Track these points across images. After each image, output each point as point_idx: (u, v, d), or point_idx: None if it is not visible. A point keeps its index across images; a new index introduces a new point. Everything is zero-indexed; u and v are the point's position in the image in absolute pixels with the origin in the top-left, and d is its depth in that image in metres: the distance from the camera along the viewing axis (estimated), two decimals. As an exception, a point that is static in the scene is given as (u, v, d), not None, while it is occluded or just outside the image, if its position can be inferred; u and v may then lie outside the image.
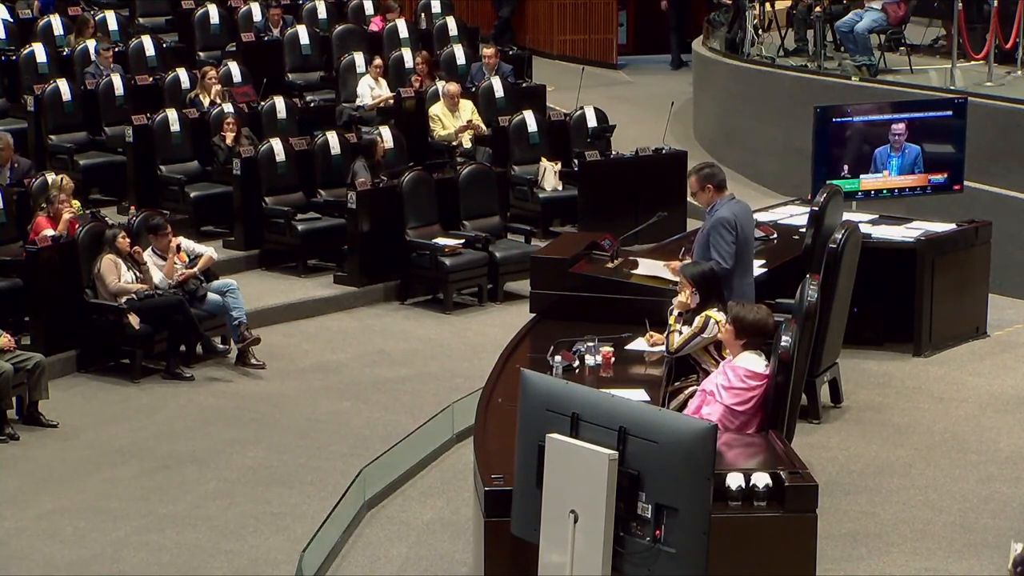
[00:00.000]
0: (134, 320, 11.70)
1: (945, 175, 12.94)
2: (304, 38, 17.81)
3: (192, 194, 14.76)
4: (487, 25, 23.03)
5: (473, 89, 16.86)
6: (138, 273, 11.96)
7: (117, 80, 15.96)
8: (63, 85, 15.66)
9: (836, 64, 17.03)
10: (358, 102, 16.75)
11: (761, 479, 7.03)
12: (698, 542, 5.23)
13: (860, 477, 9.82)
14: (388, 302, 13.85)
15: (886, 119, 12.86)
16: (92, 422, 11.04)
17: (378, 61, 16.93)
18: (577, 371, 8.62)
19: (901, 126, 12.71)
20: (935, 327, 12.11)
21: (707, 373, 8.46)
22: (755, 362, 7.97)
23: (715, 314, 8.52)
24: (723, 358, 8.30)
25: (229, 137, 14.81)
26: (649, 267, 10.13)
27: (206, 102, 15.72)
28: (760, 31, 18.34)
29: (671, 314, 8.78)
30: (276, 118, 15.68)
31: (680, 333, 8.66)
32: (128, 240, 12.01)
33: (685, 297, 8.76)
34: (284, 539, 9.05)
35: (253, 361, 12.05)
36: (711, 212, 9.63)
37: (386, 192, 13.90)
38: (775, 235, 11.82)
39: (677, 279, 9.03)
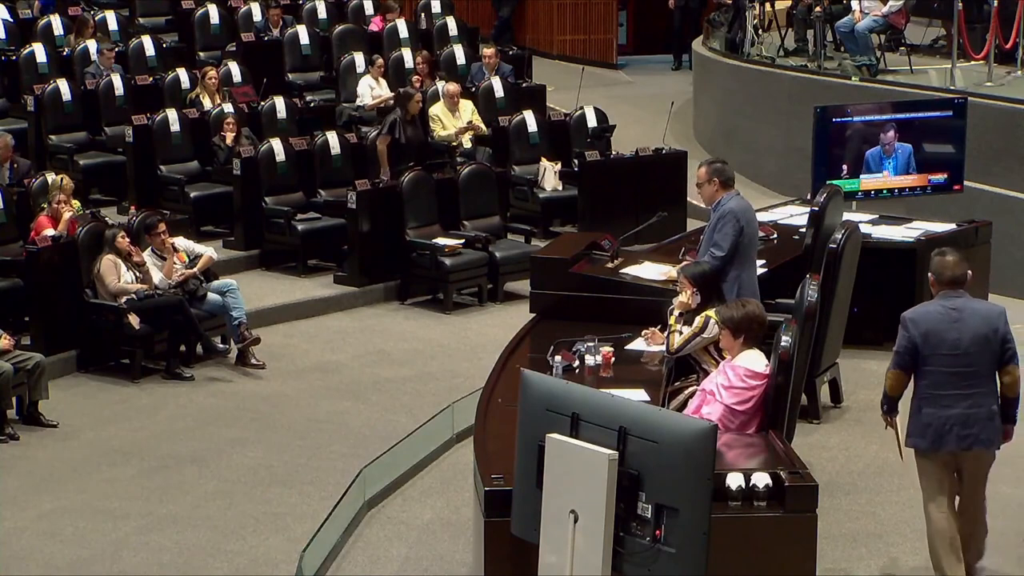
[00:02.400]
0: (134, 320, 11.70)
1: (945, 175, 12.94)
2: (304, 38, 17.79)
3: (192, 194, 14.75)
4: (487, 25, 23.01)
5: (473, 89, 16.85)
6: (138, 273, 11.96)
7: (117, 80, 15.95)
8: (63, 85, 15.65)
9: (836, 64, 17.03)
10: (358, 102, 16.75)
11: (761, 479, 7.03)
12: (698, 542, 5.23)
13: (860, 477, 9.81)
14: (388, 302, 13.85)
15: (886, 119, 12.86)
16: (92, 422, 11.04)
17: (380, 61, 16.93)
18: (577, 371, 8.61)
19: (891, 134, 12.70)
20: (935, 327, 12.08)
21: (707, 373, 8.46)
22: (755, 361, 7.97)
23: (715, 314, 8.52)
24: (723, 358, 8.30)
25: (229, 137, 14.81)
26: (649, 270, 10.12)
27: (206, 102, 15.72)
28: (760, 31, 18.35)
29: (671, 314, 8.78)
30: (276, 118, 15.68)
31: (680, 333, 8.66)
32: (128, 240, 12.01)
33: (685, 297, 8.77)
34: (284, 539, 9.04)
35: (253, 361, 12.05)
36: (717, 208, 9.65)
37: (386, 192, 13.90)
38: (775, 235, 11.81)
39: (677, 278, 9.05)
